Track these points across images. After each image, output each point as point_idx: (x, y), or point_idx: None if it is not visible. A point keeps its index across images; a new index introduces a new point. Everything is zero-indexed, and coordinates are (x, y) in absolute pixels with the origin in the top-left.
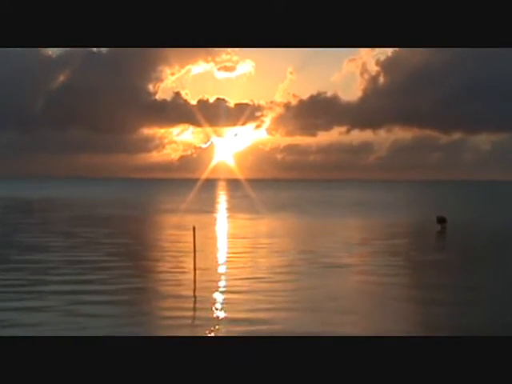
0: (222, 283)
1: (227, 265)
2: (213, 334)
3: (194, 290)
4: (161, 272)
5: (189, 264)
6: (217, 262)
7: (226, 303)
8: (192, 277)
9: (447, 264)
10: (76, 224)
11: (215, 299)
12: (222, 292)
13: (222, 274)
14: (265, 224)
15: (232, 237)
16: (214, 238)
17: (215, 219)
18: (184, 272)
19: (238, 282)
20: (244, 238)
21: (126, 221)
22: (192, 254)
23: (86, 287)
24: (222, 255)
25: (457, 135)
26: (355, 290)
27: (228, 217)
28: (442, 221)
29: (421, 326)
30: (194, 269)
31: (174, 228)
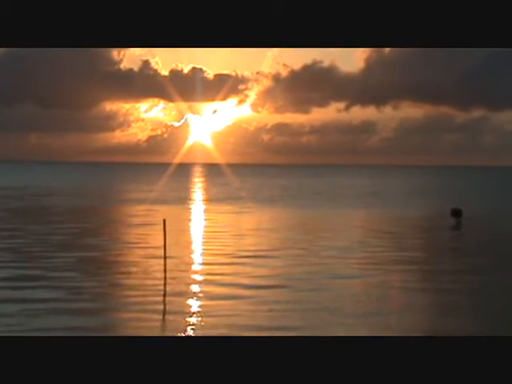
0: (194, 303)
1: (204, 274)
2: (212, 334)
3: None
4: (120, 294)
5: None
6: (191, 269)
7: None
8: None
9: (457, 275)
10: (22, 219)
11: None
12: (195, 315)
13: (197, 291)
14: (252, 219)
15: (210, 236)
16: (188, 237)
17: (190, 213)
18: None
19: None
20: (226, 236)
21: (80, 214)
22: (162, 259)
23: None
24: (198, 259)
25: (477, 112)
26: None
27: (206, 210)
28: (457, 214)
29: None
30: (165, 279)
31: (139, 223)
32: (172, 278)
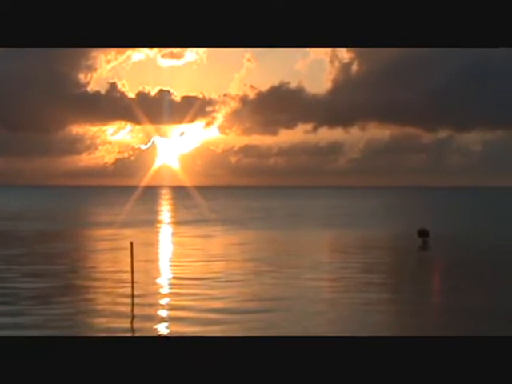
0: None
1: (170, 305)
2: (212, 334)
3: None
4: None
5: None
6: (158, 302)
7: None
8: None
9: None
10: None
11: None
12: None
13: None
14: (221, 242)
15: (178, 261)
16: (154, 263)
17: (158, 236)
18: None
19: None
20: (194, 261)
21: (45, 238)
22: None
23: None
24: (165, 287)
25: (443, 133)
26: None
27: (173, 233)
28: (423, 234)
29: None
30: (132, 295)
31: (106, 248)
32: (139, 313)
